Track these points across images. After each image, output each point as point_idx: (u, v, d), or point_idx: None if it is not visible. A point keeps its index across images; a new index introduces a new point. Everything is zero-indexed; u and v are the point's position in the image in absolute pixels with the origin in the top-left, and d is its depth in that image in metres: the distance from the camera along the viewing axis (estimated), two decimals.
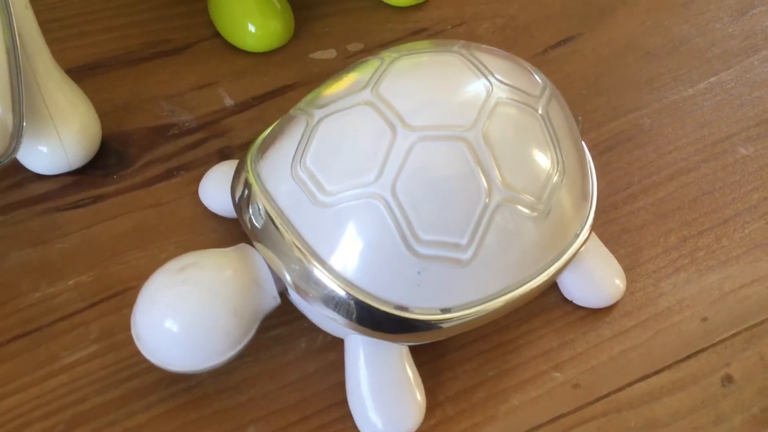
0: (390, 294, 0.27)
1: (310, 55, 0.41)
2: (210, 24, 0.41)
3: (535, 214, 0.28)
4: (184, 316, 0.27)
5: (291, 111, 0.30)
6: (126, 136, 0.37)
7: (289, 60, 0.40)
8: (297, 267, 0.27)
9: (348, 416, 0.29)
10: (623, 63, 0.41)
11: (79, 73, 0.37)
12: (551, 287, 0.33)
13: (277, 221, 0.27)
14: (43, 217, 0.34)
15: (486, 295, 0.28)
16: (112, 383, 0.30)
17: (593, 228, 0.32)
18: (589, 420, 0.30)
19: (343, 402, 0.29)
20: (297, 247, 0.27)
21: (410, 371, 0.29)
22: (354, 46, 0.41)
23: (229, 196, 0.33)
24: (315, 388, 0.30)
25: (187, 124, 0.38)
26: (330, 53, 0.41)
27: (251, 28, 0.40)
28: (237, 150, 0.37)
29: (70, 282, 0.32)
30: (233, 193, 0.30)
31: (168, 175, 0.36)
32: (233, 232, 0.34)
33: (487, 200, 0.27)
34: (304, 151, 0.28)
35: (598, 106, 0.39)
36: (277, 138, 0.29)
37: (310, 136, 0.28)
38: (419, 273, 0.27)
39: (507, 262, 0.28)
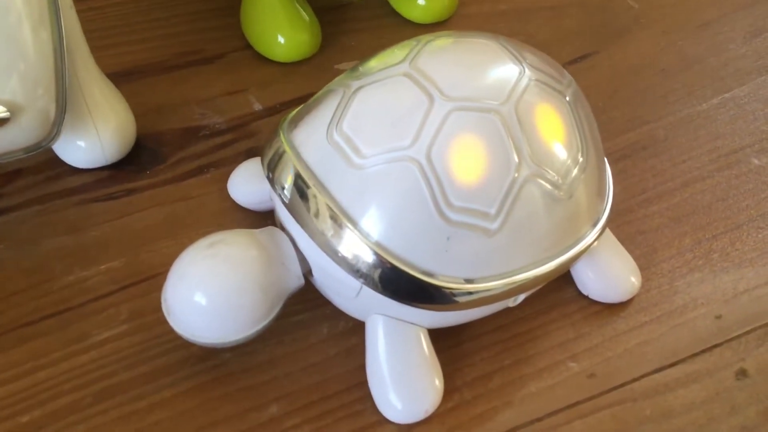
0: (418, 258, 0.28)
1: (336, 66, 0.42)
2: (241, 36, 0.43)
3: (560, 193, 0.29)
4: (212, 289, 0.28)
5: (326, 86, 0.31)
6: (159, 136, 0.39)
7: (315, 70, 0.42)
8: (328, 229, 0.28)
9: (368, 397, 0.30)
10: (638, 79, 0.43)
11: (115, 79, 0.39)
12: (568, 283, 0.34)
13: (310, 183, 0.28)
14: (78, 207, 0.35)
15: (508, 269, 0.29)
16: (140, 360, 0.31)
17: (609, 228, 0.33)
18: (605, 408, 0.31)
19: (363, 384, 0.30)
20: (329, 207, 0.28)
21: (429, 354, 0.30)
22: None
23: (256, 189, 0.35)
24: (336, 370, 0.31)
25: (217, 126, 0.39)
26: (354, 64, 0.42)
27: (281, 39, 0.41)
28: None
29: (102, 267, 0.33)
30: (264, 162, 0.30)
31: (198, 172, 0.37)
32: (259, 224, 0.35)
33: (516, 173, 0.28)
34: (341, 117, 0.29)
35: (614, 118, 0.41)
36: (312, 109, 0.30)
37: (347, 104, 0.29)
38: (448, 239, 0.28)
39: (530, 237, 0.29)
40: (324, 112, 0.29)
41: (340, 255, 0.28)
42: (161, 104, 0.40)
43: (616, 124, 0.40)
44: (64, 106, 0.33)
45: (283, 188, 0.29)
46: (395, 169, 0.28)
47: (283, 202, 0.29)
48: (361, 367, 0.30)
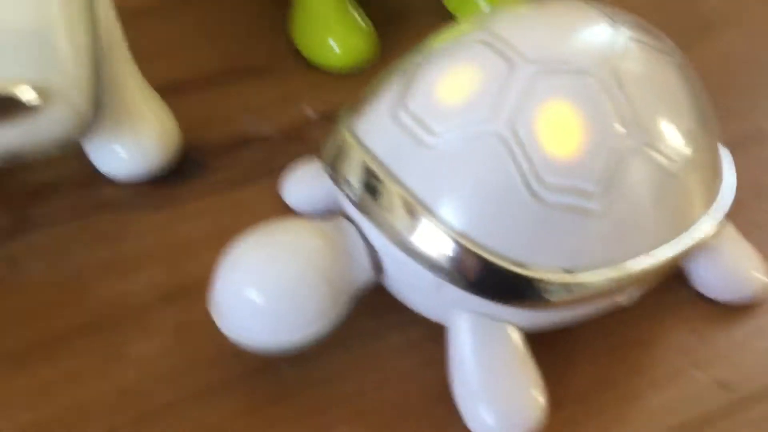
0: (508, 248, 0.23)
1: None
2: (290, 44, 0.40)
3: (673, 167, 0.24)
4: (270, 281, 0.24)
5: (387, 69, 0.27)
6: (205, 147, 0.35)
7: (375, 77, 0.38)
8: (402, 221, 0.24)
9: (453, 413, 0.25)
10: (731, 74, 0.38)
11: (159, 94, 0.36)
12: (680, 281, 0.29)
13: (379, 173, 0.24)
14: (117, 220, 0.32)
15: (613, 257, 0.24)
16: (184, 378, 0.26)
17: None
18: (745, 423, 0.25)
19: (447, 398, 0.25)
20: (402, 197, 0.24)
21: (527, 360, 0.25)
22: None
23: (314, 188, 0.31)
24: (413, 384, 0.26)
25: (267, 135, 0.36)
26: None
27: (334, 45, 0.38)
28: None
29: (143, 279, 0.29)
30: (324, 159, 0.27)
31: (247, 181, 0.34)
32: None
33: (621, 143, 0.23)
34: (406, 94, 0.25)
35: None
36: (373, 93, 0.26)
37: (412, 79, 0.25)
38: (543, 223, 0.23)
39: (639, 219, 0.24)
40: (387, 94, 0.26)
41: (417, 250, 0.24)
42: (208, 117, 0.37)
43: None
44: (98, 97, 0.30)
45: (348, 183, 0.25)
46: (474, 146, 0.24)
47: (350, 199, 0.25)
48: (443, 380, 0.26)
